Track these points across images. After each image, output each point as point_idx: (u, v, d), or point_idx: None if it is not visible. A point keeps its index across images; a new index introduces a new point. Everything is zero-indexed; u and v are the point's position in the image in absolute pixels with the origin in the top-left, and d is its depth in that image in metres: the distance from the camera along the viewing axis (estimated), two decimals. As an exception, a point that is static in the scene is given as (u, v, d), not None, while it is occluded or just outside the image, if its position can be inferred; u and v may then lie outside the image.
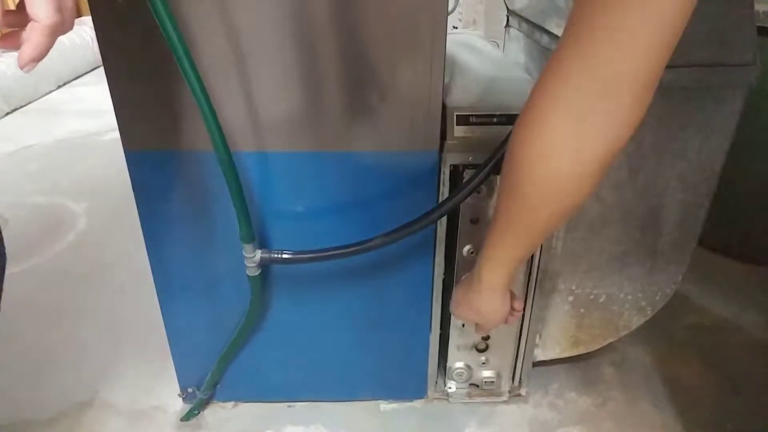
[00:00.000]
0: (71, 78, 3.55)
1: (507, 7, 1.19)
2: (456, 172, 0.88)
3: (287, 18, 0.75)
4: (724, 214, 1.42)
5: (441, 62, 0.78)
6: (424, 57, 0.78)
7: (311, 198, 0.89)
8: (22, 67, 0.39)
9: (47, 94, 3.29)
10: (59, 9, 0.38)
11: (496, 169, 0.75)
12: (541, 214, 0.53)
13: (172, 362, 1.07)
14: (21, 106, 3.05)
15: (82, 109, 3.00)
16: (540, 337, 1.09)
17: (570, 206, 0.52)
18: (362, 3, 0.74)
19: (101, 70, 0.79)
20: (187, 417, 1.10)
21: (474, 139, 0.85)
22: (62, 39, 0.42)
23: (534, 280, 0.98)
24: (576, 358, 1.16)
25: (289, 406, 1.14)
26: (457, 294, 0.75)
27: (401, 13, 0.75)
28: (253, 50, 0.77)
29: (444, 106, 0.83)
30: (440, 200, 0.89)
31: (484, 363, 1.08)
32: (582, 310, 1.06)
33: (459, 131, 0.85)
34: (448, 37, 0.79)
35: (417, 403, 1.14)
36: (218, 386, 1.11)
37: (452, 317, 1.00)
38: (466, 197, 0.77)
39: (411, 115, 0.82)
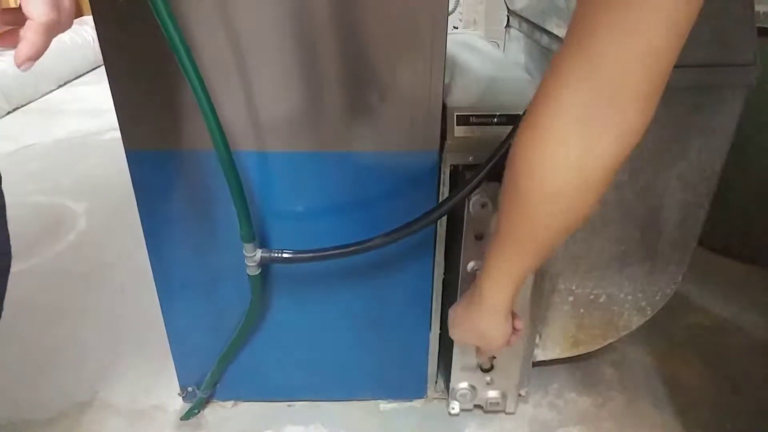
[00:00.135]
0: (72, 77, 3.55)
1: (507, 8, 1.20)
2: (456, 172, 0.88)
3: (288, 18, 0.75)
4: (724, 214, 1.42)
5: (441, 62, 0.78)
6: (424, 57, 0.78)
7: (311, 198, 0.89)
8: (18, 66, 0.38)
9: (48, 93, 3.30)
10: (56, 7, 0.38)
11: (497, 170, 0.75)
12: (544, 226, 0.51)
13: (172, 361, 1.07)
14: (21, 106, 3.05)
15: (83, 109, 3.00)
16: (540, 337, 1.09)
17: (575, 217, 0.50)
18: (362, 3, 0.74)
19: (102, 70, 0.79)
20: (187, 416, 1.10)
21: (474, 139, 0.85)
22: (63, 38, 0.42)
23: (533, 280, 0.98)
24: (576, 358, 1.16)
25: (288, 406, 1.14)
26: (455, 314, 0.70)
27: (401, 13, 0.75)
28: (253, 50, 0.77)
29: (444, 106, 0.83)
30: (440, 200, 0.89)
31: (489, 383, 1.05)
32: (582, 311, 1.06)
33: (459, 131, 0.85)
34: (449, 37, 0.79)
35: (417, 403, 1.14)
36: (218, 385, 1.11)
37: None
38: (466, 197, 0.77)
39: (411, 115, 0.82)
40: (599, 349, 1.14)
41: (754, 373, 1.22)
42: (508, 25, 1.21)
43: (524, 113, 0.49)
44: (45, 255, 1.65)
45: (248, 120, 0.81)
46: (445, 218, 0.92)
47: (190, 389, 1.09)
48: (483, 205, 0.82)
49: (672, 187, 0.93)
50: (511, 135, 0.72)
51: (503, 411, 1.09)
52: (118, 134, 0.82)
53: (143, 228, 0.91)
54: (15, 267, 0.76)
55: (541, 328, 1.08)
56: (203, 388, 1.07)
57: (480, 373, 1.03)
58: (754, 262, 1.56)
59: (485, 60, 1.12)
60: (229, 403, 1.13)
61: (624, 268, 1.01)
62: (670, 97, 0.83)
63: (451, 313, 0.71)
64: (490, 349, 0.69)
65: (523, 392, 1.13)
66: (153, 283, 0.97)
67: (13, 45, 0.39)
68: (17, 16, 0.39)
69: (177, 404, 1.13)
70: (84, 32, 3.63)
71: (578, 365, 1.22)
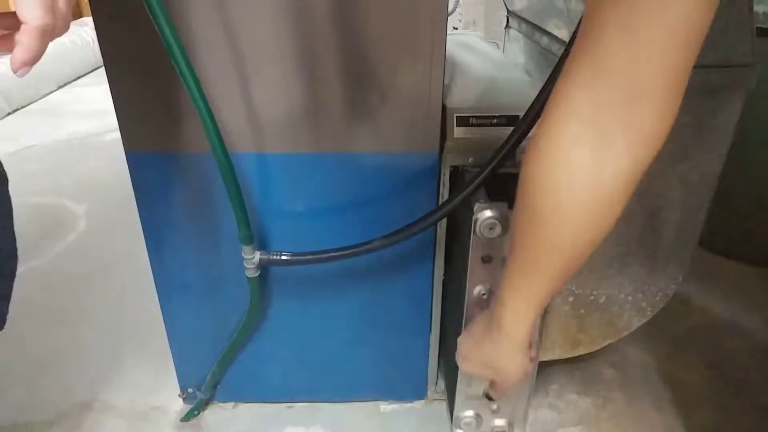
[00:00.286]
0: (72, 78, 3.56)
1: (507, 8, 1.20)
2: (456, 173, 0.88)
3: (286, 18, 0.75)
4: (724, 215, 1.42)
5: (441, 63, 0.78)
6: (424, 58, 0.78)
7: (310, 199, 0.89)
8: (14, 71, 0.38)
9: (48, 94, 3.30)
10: (50, 11, 0.37)
11: (497, 171, 0.75)
12: (562, 246, 0.46)
13: (172, 363, 1.07)
14: (22, 107, 3.05)
15: (83, 110, 3.00)
16: (540, 338, 1.09)
17: (595, 234, 0.45)
18: (361, 3, 0.74)
19: (102, 71, 0.79)
20: (187, 417, 1.10)
21: (474, 140, 0.85)
22: (63, 40, 0.41)
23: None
24: (576, 359, 1.16)
25: (288, 407, 1.14)
26: (465, 346, 0.64)
27: (401, 14, 0.75)
28: (252, 51, 0.77)
29: (444, 107, 0.83)
30: (440, 201, 0.89)
31: (495, 411, 0.99)
32: (582, 311, 1.06)
33: (459, 132, 0.85)
34: (448, 38, 0.79)
35: (417, 404, 1.14)
36: (218, 387, 1.11)
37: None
38: (466, 198, 0.77)
39: (411, 116, 0.82)
40: (599, 349, 1.13)
41: (755, 373, 1.22)
42: (507, 26, 1.21)
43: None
44: (45, 256, 1.65)
45: (247, 121, 0.81)
46: (445, 220, 0.92)
47: (190, 390, 1.09)
48: (491, 227, 0.75)
49: (672, 188, 0.93)
50: (512, 135, 0.72)
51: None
52: (118, 135, 0.82)
53: (143, 230, 0.91)
54: (18, 260, 0.76)
55: (541, 329, 1.08)
56: (203, 390, 1.07)
57: (486, 400, 0.95)
58: (755, 262, 1.56)
59: (485, 61, 1.12)
60: (230, 405, 1.13)
61: (624, 268, 1.01)
62: (669, 98, 0.83)
63: (461, 344, 0.65)
64: (506, 383, 0.62)
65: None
66: (153, 284, 0.97)
67: (10, 49, 0.38)
68: (13, 21, 0.38)
69: (177, 405, 1.13)
70: (84, 33, 3.63)
71: (578, 366, 1.22)
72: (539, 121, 0.45)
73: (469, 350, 0.63)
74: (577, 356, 1.14)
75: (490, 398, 0.91)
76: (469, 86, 0.97)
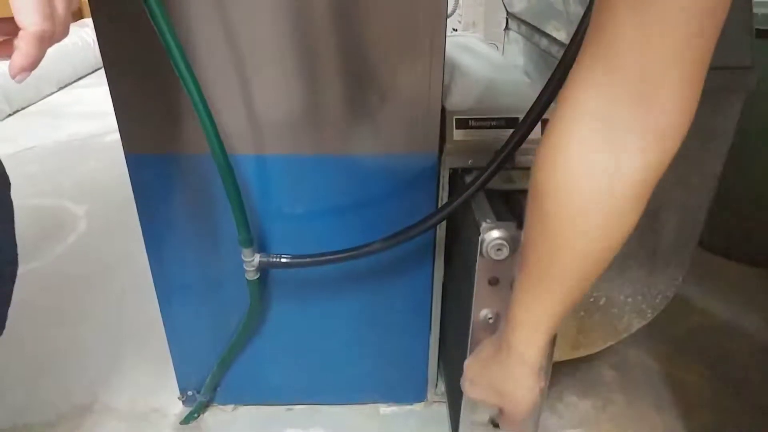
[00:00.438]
0: (72, 80, 3.56)
1: (506, 10, 1.19)
2: (455, 175, 0.88)
3: (286, 20, 0.75)
4: (724, 216, 1.42)
5: (440, 65, 0.78)
6: (423, 60, 0.78)
7: (310, 201, 0.89)
8: (13, 77, 0.38)
9: (49, 95, 3.30)
10: (49, 17, 0.37)
11: (497, 173, 0.75)
12: (576, 255, 0.43)
13: (171, 365, 1.07)
14: (22, 108, 3.06)
15: (83, 111, 3.00)
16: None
17: (610, 241, 0.42)
18: (361, 5, 0.74)
19: (102, 72, 0.79)
20: (186, 420, 1.10)
21: (473, 142, 0.85)
22: (64, 41, 0.41)
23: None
24: (576, 361, 1.16)
25: (288, 410, 1.13)
26: (472, 371, 0.60)
27: (400, 15, 0.75)
28: (251, 53, 0.77)
29: (443, 109, 0.83)
30: (440, 203, 0.89)
31: None
32: (582, 313, 1.06)
33: (458, 134, 0.85)
34: (448, 39, 0.79)
35: (417, 407, 1.14)
36: (218, 389, 1.11)
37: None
38: (465, 201, 0.77)
39: (410, 118, 0.82)
40: (600, 351, 1.13)
41: (755, 374, 1.22)
42: (507, 28, 1.21)
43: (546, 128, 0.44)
44: (45, 257, 1.65)
45: (246, 123, 0.81)
46: (444, 222, 0.92)
47: (190, 393, 1.09)
48: (499, 248, 0.70)
49: (672, 189, 0.93)
50: (512, 137, 0.72)
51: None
52: (118, 137, 0.82)
53: (143, 232, 0.91)
54: (18, 264, 0.76)
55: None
56: (203, 392, 1.07)
57: (491, 428, 0.90)
58: (755, 263, 1.55)
59: (484, 62, 1.12)
60: (229, 407, 1.13)
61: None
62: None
63: (468, 368, 0.61)
64: (515, 411, 0.56)
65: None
66: (153, 285, 0.97)
67: (9, 55, 0.38)
68: (12, 26, 0.38)
69: (177, 408, 1.13)
70: (84, 34, 3.64)
71: (579, 368, 1.22)
72: (548, 124, 0.43)
73: (476, 375, 0.59)
74: (578, 358, 1.14)
75: (496, 425, 0.86)
76: (469, 88, 0.97)
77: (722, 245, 1.57)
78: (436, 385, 1.14)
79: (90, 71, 3.71)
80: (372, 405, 1.14)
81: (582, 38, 0.61)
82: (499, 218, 0.71)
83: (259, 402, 1.13)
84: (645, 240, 0.98)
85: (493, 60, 1.14)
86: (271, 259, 0.84)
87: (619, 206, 0.40)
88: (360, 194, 0.88)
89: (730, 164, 0.92)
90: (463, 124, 0.84)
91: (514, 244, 0.70)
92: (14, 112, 2.99)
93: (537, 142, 0.79)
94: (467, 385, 0.61)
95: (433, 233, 0.92)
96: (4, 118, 2.90)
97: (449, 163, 0.86)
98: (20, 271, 0.82)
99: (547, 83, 0.66)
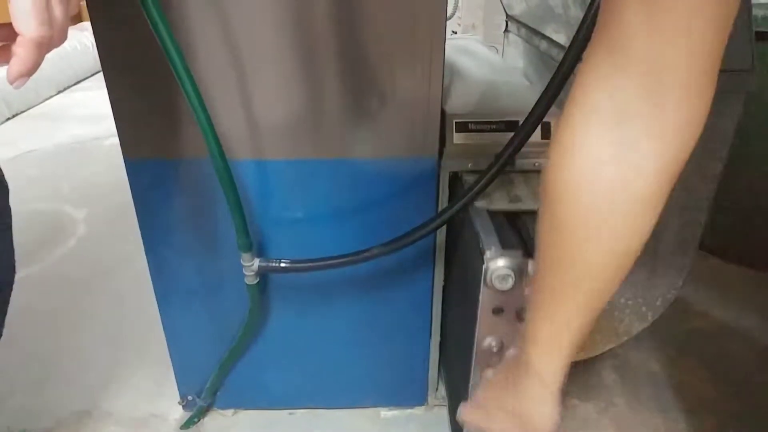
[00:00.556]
0: (72, 83, 3.56)
1: (506, 13, 1.19)
2: (455, 178, 0.88)
3: (285, 25, 0.75)
4: (724, 218, 1.42)
5: (440, 68, 0.78)
6: (422, 63, 0.77)
7: (309, 206, 0.89)
8: (11, 83, 0.38)
9: (48, 99, 3.30)
10: (47, 22, 0.37)
11: (497, 177, 0.75)
12: (593, 263, 0.41)
13: (172, 370, 1.06)
14: (22, 111, 3.06)
15: (83, 115, 3.00)
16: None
17: (628, 242, 0.41)
18: (360, 9, 0.74)
19: (102, 75, 0.79)
20: (187, 425, 1.10)
21: (473, 145, 0.85)
22: (63, 44, 0.40)
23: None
24: (577, 364, 1.16)
25: (289, 414, 1.13)
26: (484, 398, 0.54)
27: (400, 19, 0.74)
28: (251, 58, 0.77)
29: (443, 113, 0.83)
30: (440, 207, 0.89)
31: None
32: (582, 316, 1.05)
33: (458, 138, 0.84)
34: (447, 42, 0.79)
35: (417, 410, 1.14)
36: (218, 394, 1.10)
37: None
38: (465, 206, 0.77)
39: (409, 122, 0.82)
40: (600, 354, 1.13)
41: (756, 376, 1.21)
42: (506, 30, 1.21)
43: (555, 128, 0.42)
44: (45, 261, 1.65)
45: (245, 128, 0.81)
46: (444, 227, 0.92)
47: (190, 398, 1.09)
48: (504, 278, 0.67)
49: (672, 192, 0.93)
50: (511, 141, 0.72)
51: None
52: (117, 140, 0.82)
53: (142, 237, 0.91)
54: (16, 273, 0.76)
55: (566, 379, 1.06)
56: (203, 397, 1.07)
57: None
58: (755, 265, 1.55)
59: (484, 65, 1.12)
60: (230, 412, 1.13)
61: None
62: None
63: (476, 397, 0.56)
64: None
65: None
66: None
67: (8, 60, 0.38)
68: (10, 32, 0.38)
69: (177, 413, 1.13)
70: (84, 38, 3.64)
71: (579, 371, 1.21)
72: (558, 123, 0.41)
73: (491, 402, 0.53)
74: (579, 361, 1.14)
75: None
76: (468, 91, 0.96)
77: (722, 248, 1.57)
78: (437, 388, 1.13)
79: (89, 74, 3.72)
80: (373, 409, 1.14)
81: (581, 40, 0.61)
82: (505, 244, 0.68)
83: (260, 406, 1.13)
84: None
85: (492, 63, 1.14)
86: (270, 264, 0.84)
87: (633, 206, 0.39)
88: (359, 198, 0.88)
89: (730, 165, 0.92)
90: (462, 127, 0.84)
91: (521, 273, 0.66)
92: (14, 116, 2.99)
93: (537, 144, 0.80)
94: (479, 416, 0.54)
95: (434, 237, 0.92)
96: (3, 122, 2.90)
97: (449, 166, 0.86)
98: (20, 275, 0.82)
99: (547, 86, 0.66)
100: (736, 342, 1.32)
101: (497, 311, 0.71)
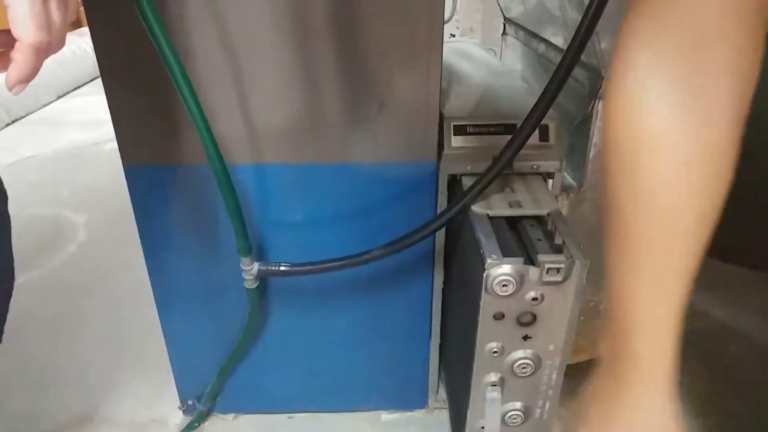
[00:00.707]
0: (71, 88, 3.56)
1: (504, 15, 1.20)
2: (454, 182, 0.88)
3: (283, 29, 0.75)
4: (723, 219, 1.42)
5: (438, 71, 0.78)
6: (420, 66, 0.78)
7: (308, 209, 0.89)
8: (9, 89, 0.38)
9: (47, 104, 3.30)
10: (45, 28, 0.37)
11: (495, 179, 0.75)
12: (675, 219, 0.40)
13: (171, 374, 1.06)
14: (21, 117, 3.06)
15: (83, 120, 3.00)
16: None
17: (711, 193, 0.41)
18: (358, 12, 0.74)
19: (101, 81, 0.79)
20: (187, 429, 1.10)
21: (471, 148, 0.85)
22: (62, 50, 0.41)
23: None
24: (577, 366, 1.15)
25: (289, 417, 1.13)
26: (590, 417, 0.47)
27: (397, 22, 0.75)
28: (249, 62, 0.77)
29: (441, 116, 0.83)
30: (438, 210, 0.89)
31: None
32: (582, 318, 1.05)
33: (456, 141, 0.85)
34: (445, 45, 0.79)
35: (418, 413, 1.14)
36: (218, 398, 1.10)
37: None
38: (464, 207, 0.77)
39: (408, 125, 0.82)
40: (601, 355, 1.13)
41: (757, 377, 1.21)
42: (504, 33, 1.21)
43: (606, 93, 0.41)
44: (45, 267, 1.65)
45: (244, 132, 0.81)
46: (444, 229, 0.92)
47: (190, 402, 1.09)
48: (504, 285, 0.67)
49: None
50: (510, 144, 0.72)
51: None
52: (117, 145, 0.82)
53: (141, 242, 0.91)
54: (15, 279, 0.76)
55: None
56: (203, 401, 1.07)
57: None
58: (755, 266, 1.55)
59: (482, 68, 1.12)
60: (230, 416, 1.13)
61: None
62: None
63: (579, 416, 0.49)
64: None
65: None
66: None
67: (6, 67, 0.38)
68: (9, 38, 0.38)
69: (177, 417, 1.13)
70: (83, 43, 3.64)
71: (580, 372, 1.21)
72: (608, 88, 0.40)
73: (594, 420, 0.46)
74: (580, 362, 1.13)
75: None
76: (466, 94, 0.97)
77: (722, 248, 1.57)
78: (437, 391, 1.13)
79: (88, 80, 3.71)
80: (373, 412, 1.14)
81: (579, 43, 0.61)
82: (505, 251, 0.68)
83: (260, 410, 1.13)
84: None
85: (490, 65, 1.15)
86: (270, 268, 0.84)
87: (704, 157, 0.39)
88: (358, 202, 0.88)
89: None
90: (460, 130, 0.84)
91: (522, 280, 0.67)
92: (13, 122, 2.99)
93: (535, 147, 0.80)
94: None
95: (433, 240, 0.92)
96: (2, 128, 2.90)
97: (447, 169, 0.86)
98: (19, 280, 0.82)
99: (545, 89, 0.67)
100: (736, 342, 1.32)
101: (498, 317, 0.72)
